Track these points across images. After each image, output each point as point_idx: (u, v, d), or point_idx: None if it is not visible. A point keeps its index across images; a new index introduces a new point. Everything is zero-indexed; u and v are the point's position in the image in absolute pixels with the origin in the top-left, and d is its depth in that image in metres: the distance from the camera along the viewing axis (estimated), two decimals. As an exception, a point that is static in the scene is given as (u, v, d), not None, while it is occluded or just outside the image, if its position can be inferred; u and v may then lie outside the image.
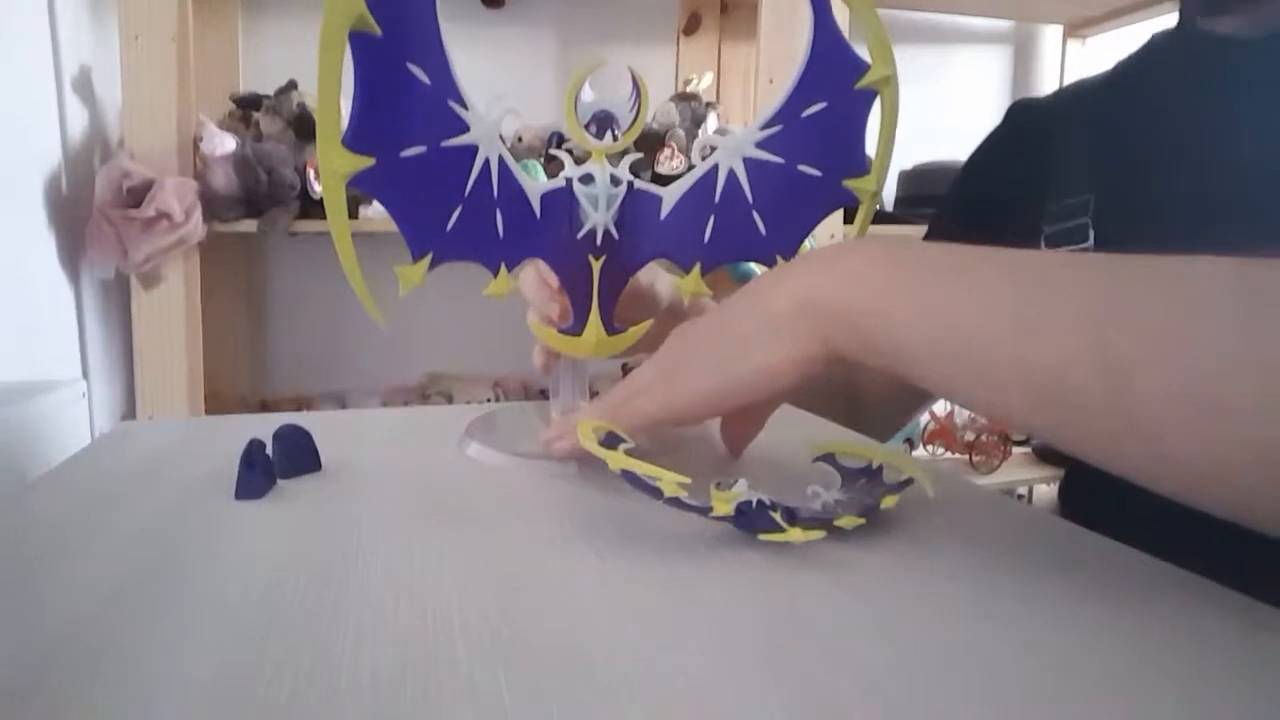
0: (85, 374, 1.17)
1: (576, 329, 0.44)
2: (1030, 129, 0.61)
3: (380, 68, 0.36)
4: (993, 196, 0.62)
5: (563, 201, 0.42)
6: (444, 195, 0.39)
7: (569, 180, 0.42)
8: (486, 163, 0.40)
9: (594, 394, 0.47)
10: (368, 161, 0.36)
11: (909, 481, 0.36)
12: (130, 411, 1.28)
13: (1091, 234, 0.51)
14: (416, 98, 0.37)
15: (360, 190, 0.37)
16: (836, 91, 0.44)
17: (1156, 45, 0.56)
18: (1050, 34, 1.97)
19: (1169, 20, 0.56)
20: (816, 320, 0.35)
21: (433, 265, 0.40)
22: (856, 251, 0.35)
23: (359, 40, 0.35)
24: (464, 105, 0.39)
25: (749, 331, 0.36)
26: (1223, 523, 0.30)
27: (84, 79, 1.19)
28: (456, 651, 0.23)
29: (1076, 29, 1.91)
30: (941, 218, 0.69)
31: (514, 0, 1.58)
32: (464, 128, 0.39)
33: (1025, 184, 0.58)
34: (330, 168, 0.36)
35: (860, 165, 0.46)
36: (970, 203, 0.66)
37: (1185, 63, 0.53)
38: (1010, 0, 1.79)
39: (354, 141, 0.36)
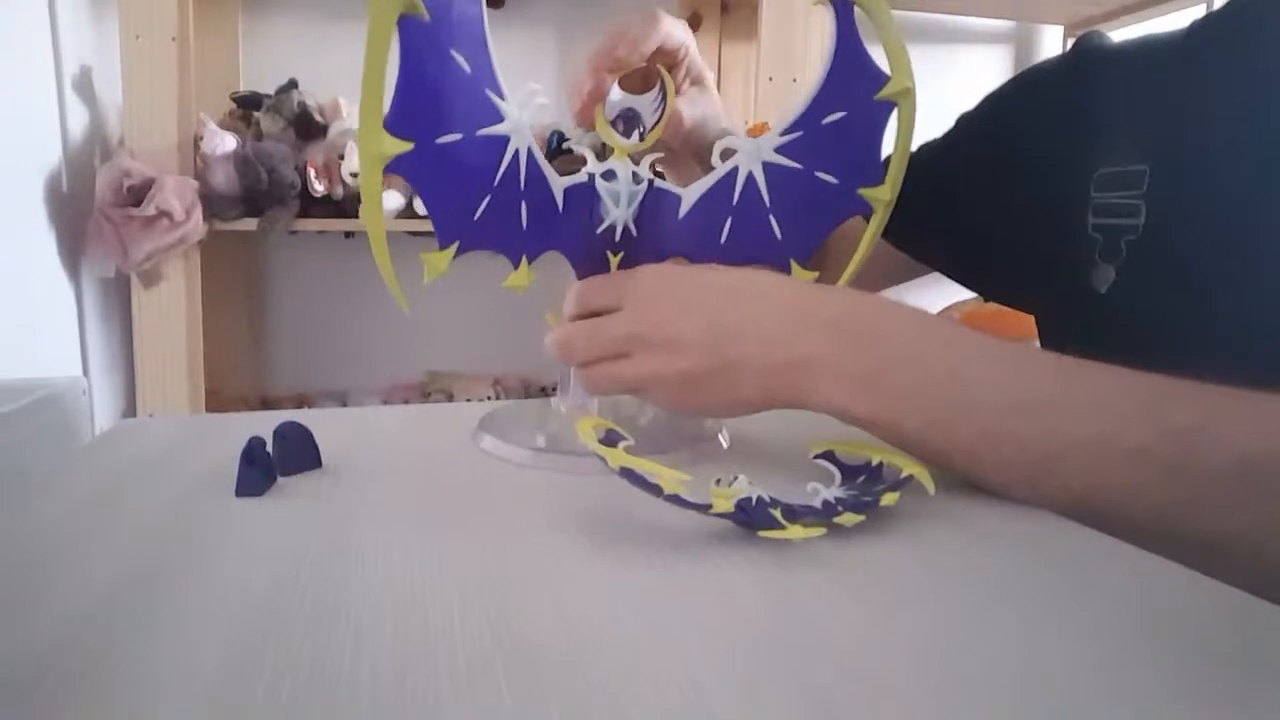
0: (86, 372, 1.17)
1: None
2: (1096, 71, 0.53)
3: (426, 53, 0.36)
4: (1038, 133, 0.54)
5: (585, 196, 0.43)
6: (475, 184, 0.40)
7: (591, 176, 0.43)
8: (516, 154, 0.40)
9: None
10: (406, 146, 0.36)
11: (909, 479, 0.36)
12: (131, 409, 1.28)
13: (1144, 214, 0.45)
14: (457, 85, 0.38)
15: (398, 174, 0.37)
16: (856, 101, 0.44)
17: (1245, 4, 0.46)
18: (1050, 34, 1.97)
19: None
20: (871, 410, 0.38)
21: (458, 253, 0.40)
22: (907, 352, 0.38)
23: (407, 25, 0.35)
24: (501, 95, 0.39)
25: (779, 385, 0.39)
26: None
27: (84, 78, 1.20)
28: (456, 651, 0.23)
29: (1076, 29, 1.91)
30: (964, 137, 0.61)
31: (514, 0, 1.58)
32: (499, 118, 0.39)
33: (1078, 134, 0.51)
34: (370, 150, 0.36)
35: (875, 175, 0.46)
36: (1008, 130, 0.57)
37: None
38: (1010, 0, 1.79)
39: (395, 125, 0.36)
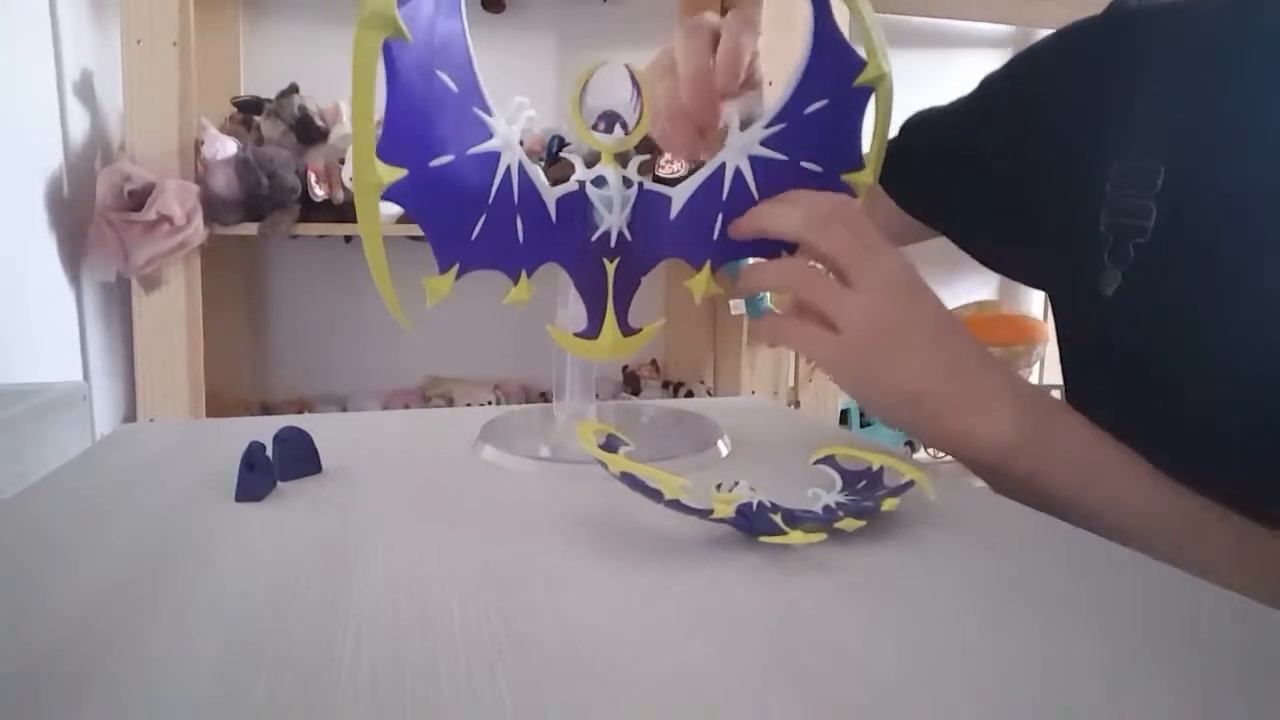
0: (86, 376, 1.17)
1: (592, 332, 0.44)
2: (1131, 41, 0.48)
3: (412, 77, 0.35)
4: (1063, 105, 0.51)
5: (577, 205, 0.42)
6: (469, 204, 0.39)
7: (582, 183, 0.42)
8: (508, 169, 0.40)
9: (597, 395, 0.47)
10: (400, 173, 0.36)
11: (910, 484, 0.36)
12: (131, 414, 1.28)
13: (1153, 216, 0.43)
14: (445, 105, 0.37)
15: (394, 202, 0.36)
16: (836, 89, 0.45)
17: None
18: (1049, 38, 1.98)
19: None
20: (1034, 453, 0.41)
21: (459, 275, 0.40)
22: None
23: (392, 50, 0.34)
24: (488, 111, 0.39)
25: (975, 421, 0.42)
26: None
27: (85, 82, 1.20)
28: (456, 651, 0.23)
29: (1076, 33, 1.91)
30: (988, 98, 0.58)
31: (514, 3, 1.59)
32: (488, 134, 0.39)
33: (1102, 110, 0.48)
34: (366, 181, 0.35)
35: (857, 160, 0.47)
36: (1033, 96, 0.54)
37: None
38: (1009, 5, 1.79)
39: (387, 153, 0.35)
